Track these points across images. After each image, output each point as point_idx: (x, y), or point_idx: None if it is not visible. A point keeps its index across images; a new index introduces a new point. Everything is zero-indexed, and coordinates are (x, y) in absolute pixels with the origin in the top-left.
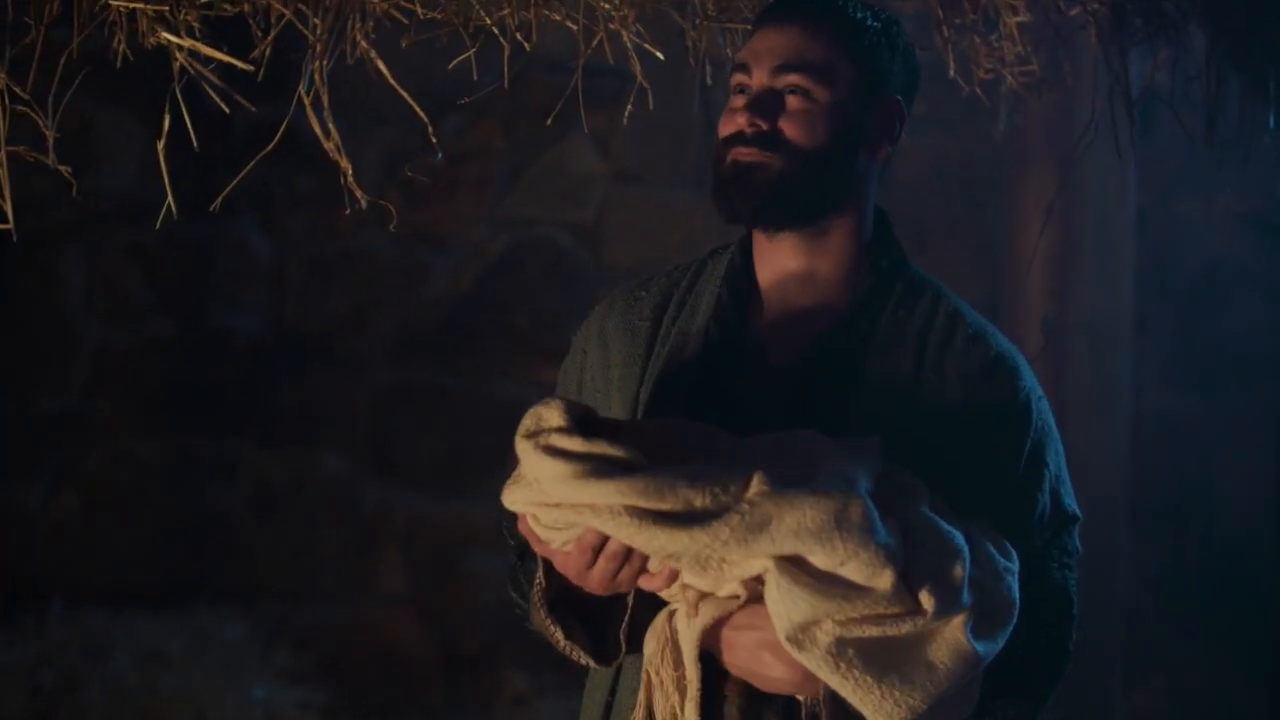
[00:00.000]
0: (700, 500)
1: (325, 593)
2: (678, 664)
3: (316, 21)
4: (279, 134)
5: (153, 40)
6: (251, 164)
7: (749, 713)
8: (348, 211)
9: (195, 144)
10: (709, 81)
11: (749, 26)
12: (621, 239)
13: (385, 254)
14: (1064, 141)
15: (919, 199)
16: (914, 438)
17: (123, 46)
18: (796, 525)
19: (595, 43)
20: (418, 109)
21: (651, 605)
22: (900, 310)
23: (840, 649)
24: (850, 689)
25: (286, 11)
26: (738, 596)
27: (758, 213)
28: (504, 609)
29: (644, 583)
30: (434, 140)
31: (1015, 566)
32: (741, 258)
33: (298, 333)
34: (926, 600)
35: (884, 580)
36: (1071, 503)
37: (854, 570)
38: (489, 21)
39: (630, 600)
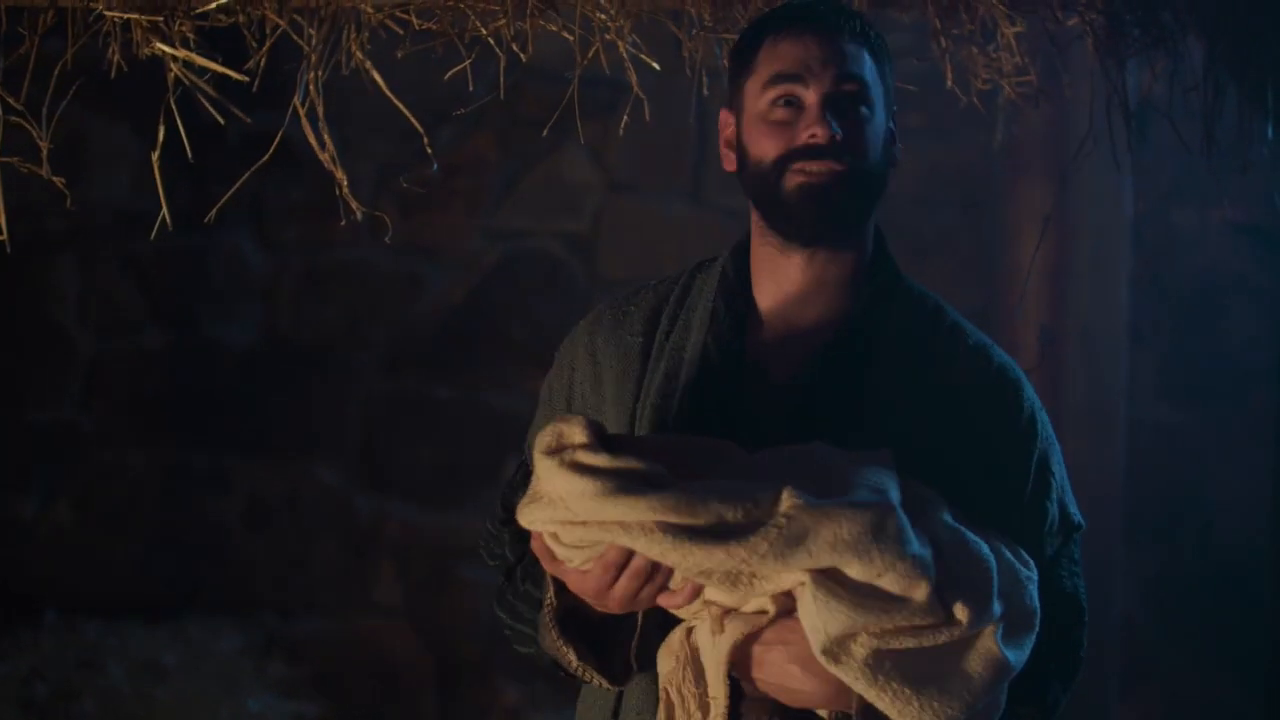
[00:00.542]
0: (732, 515)
1: (319, 604)
2: (699, 680)
3: (311, 32)
4: (274, 145)
5: (147, 51)
6: (246, 175)
7: None
8: (343, 223)
9: (189, 155)
10: (705, 92)
11: None
12: (616, 250)
13: (379, 265)
14: (1061, 152)
15: (916, 209)
16: (922, 451)
17: (117, 57)
18: (834, 538)
19: (591, 53)
20: (413, 120)
21: (658, 623)
22: (902, 324)
23: (877, 662)
24: (888, 702)
25: (281, 22)
26: (765, 612)
27: (836, 227)
28: (498, 621)
29: (664, 600)
30: (429, 151)
31: (1035, 575)
32: (735, 271)
33: (292, 343)
34: (960, 611)
35: (920, 591)
36: (1075, 511)
37: (890, 582)
38: (484, 32)
39: (639, 619)
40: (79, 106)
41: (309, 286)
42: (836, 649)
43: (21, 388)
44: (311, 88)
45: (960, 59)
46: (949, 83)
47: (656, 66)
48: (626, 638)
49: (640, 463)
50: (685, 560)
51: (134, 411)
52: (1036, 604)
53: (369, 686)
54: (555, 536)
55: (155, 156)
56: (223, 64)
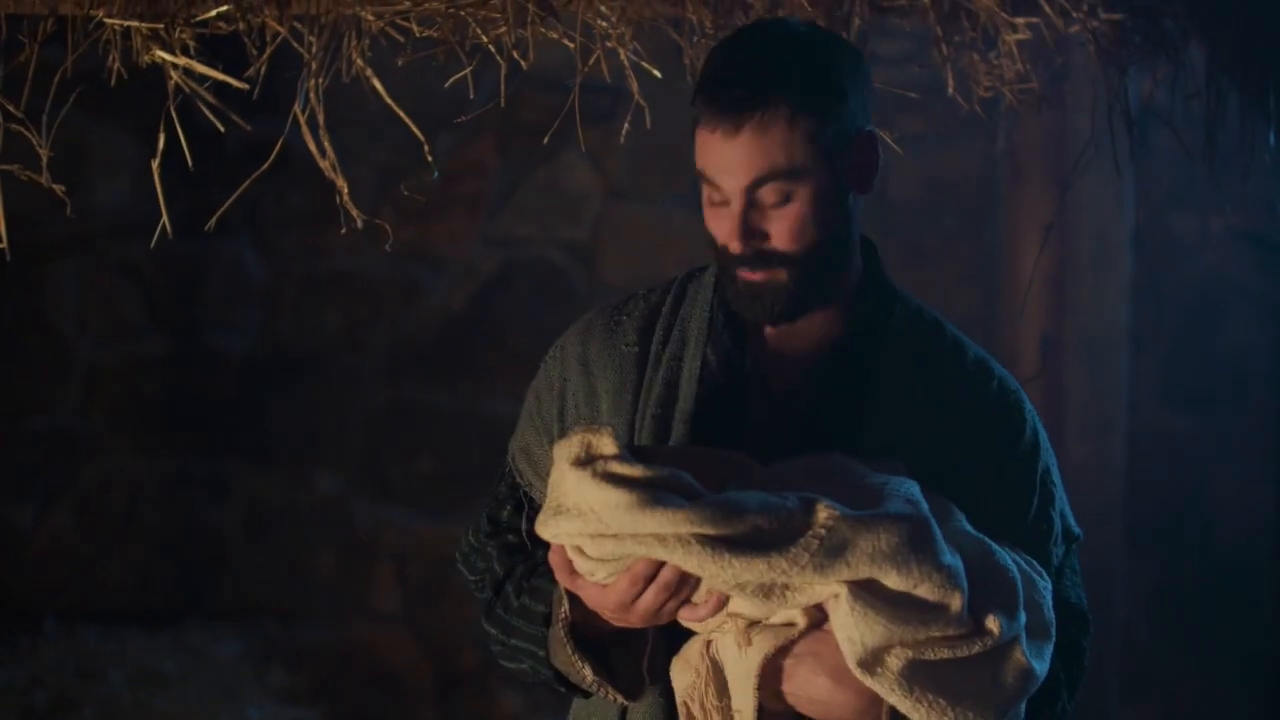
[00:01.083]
0: (769, 525)
1: (319, 612)
2: (722, 694)
3: (312, 40)
4: (274, 153)
5: (147, 58)
6: (247, 183)
7: None
8: (343, 231)
9: (189, 162)
10: None
11: None
12: (616, 257)
13: (379, 272)
14: (1061, 159)
15: (916, 216)
16: (927, 463)
17: (117, 65)
18: (872, 549)
19: (592, 60)
20: (414, 127)
21: (664, 637)
22: (902, 337)
23: (913, 673)
24: (923, 713)
25: (282, 30)
26: (794, 624)
27: (780, 318)
28: (486, 636)
29: (686, 614)
30: (429, 158)
31: (1049, 585)
32: None
33: (291, 351)
34: (992, 621)
35: (955, 601)
36: (1074, 522)
37: (927, 591)
38: (485, 39)
39: (652, 632)
40: (79, 114)
41: (309, 294)
42: (872, 660)
43: (20, 395)
44: (312, 95)
45: (962, 66)
46: (950, 90)
47: (658, 74)
48: (636, 652)
49: (671, 473)
50: (724, 572)
51: (133, 419)
52: (1052, 614)
53: (368, 694)
54: (580, 550)
55: (155, 164)
56: (223, 71)
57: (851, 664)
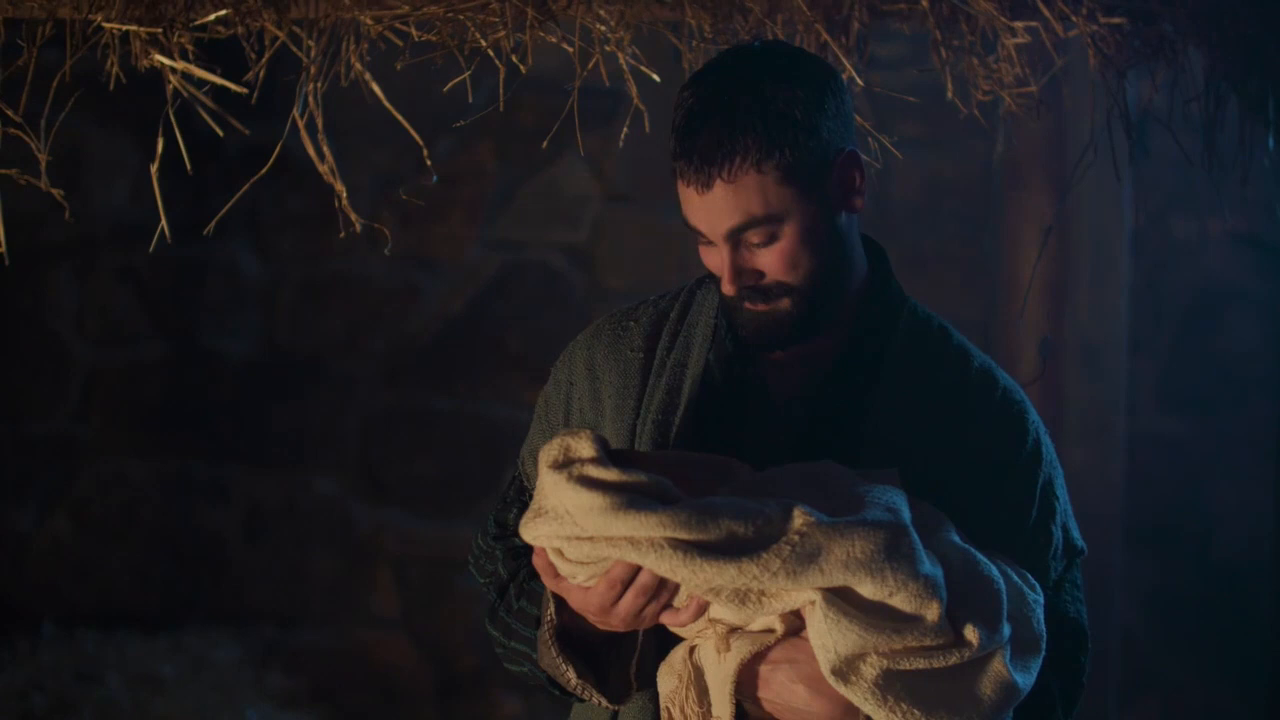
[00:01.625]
0: (744, 531)
1: (317, 615)
2: (703, 700)
3: (311, 44)
4: (273, 157)
5: (146, 62)
6: (245, 187)
7: None
8: (342, 234)
9: (188, 166)
10: None
11: None
12: (615, 261)
13: (377, 275)
14: (1061, 162)
15: (915, 220)
16: (927, 473)
17: (115, 69)
18: (846, 556)
19: (591, 64)
20: (413, 131)
21: (655, 642)
22: (908, 344)
23: (887, 682)
24: None
25: (280, 34)
26: (772, 630)
27: (787, 343)
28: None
29: (668, 618)
30: (428, 162)
31: (1041, 598)
32: None
33: (289, 354)
34: (971, 632)
35: (931, 611)
36: (1078, 536)
37: (902, 601)
38: (484, 43)
39: (639, 637)
40: (78, 118)
41: (307, 297)
42: (846, 669)
43: (19, 399)
44: (311, 99)
45: (961, 70)
46: (949, 94)
47: (656, 78)
48: (626, 656)
49: (650, 478)
50: (696, 577)
51: (132, 422)
52: (1043, 628)
53: (367, 697)
54: (560, 552)
55: (154, 168)
56: (222, 76)
57: (826, 671)
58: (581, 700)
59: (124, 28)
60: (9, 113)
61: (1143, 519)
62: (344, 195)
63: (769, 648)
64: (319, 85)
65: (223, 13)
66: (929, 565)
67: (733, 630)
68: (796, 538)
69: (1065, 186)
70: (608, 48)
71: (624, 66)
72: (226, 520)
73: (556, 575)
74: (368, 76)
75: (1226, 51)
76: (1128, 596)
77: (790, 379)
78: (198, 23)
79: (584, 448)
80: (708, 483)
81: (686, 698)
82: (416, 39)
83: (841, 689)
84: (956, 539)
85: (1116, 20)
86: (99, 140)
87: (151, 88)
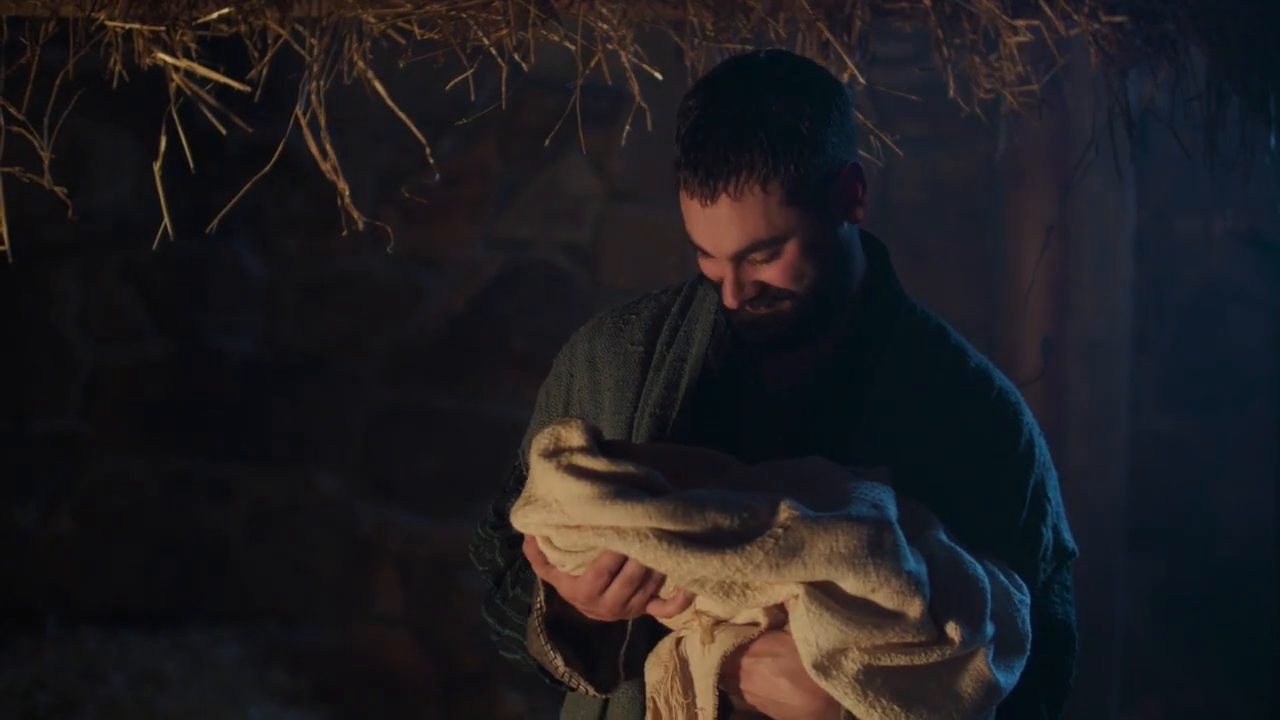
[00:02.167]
0: (729, 524)
1: (321, 613)
2: (688, 691)
3: (313, 42)
4: (275, 156)
5: (149, 61)
6: (248, 185)
7: None
8: (344, 233)
9: (191, 164)
10: None
11: (747, 47)
12: (617, 259)
13: (380, 274)
14: (1063, 161)
15: (917, 219)
16: (919, 471)
17: (118, 67)
18: (829, 550)
19: (593, 63)
20: (415, 130)
21: (646, 631)
22: (905, 344)
23: (868, 677)
24: (877, 718)
25: (283, 32)
26: (756, 624)
27: (786, 346)
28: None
29: (655, 609)
30: (430, 161)
31: (1028, 599)
32: None
33: (292, 352)
34: (953, 630)
35: (914, 608)
36: (1070, 538)
37: (885, 597)
38: (486, 42)
39: (629, 627)
40: (80, 116)
41: (310, 296)
42: (827, 663)
43: (22, 396)
44: (313, 98)
45: (962, 69)
46: (951, 93)
47: (659, 76)
48: (615, 645)
49: (638, 468)
50: (680, 568)
51: (135, 420)
52: (1028, 628)
53: (371, 695)
54: (549, 540)
55: (157, 166)
56: (224, 74)
57: (807, 665)
58: (572, 689)
59: (127, 26)
60: (12, 111)
61: (1145, 518)
62: (346, 194)
63: (752, 640)
64: (321, 84)
65: (225, 11)
66: (913, 562)
67: (718, 622)
68: (780, 531)
69: (1068, 185)
70: (610, 46)
71: (626, 65)
72: (229, 518)
73: (546, 563)
74: (370, 75)
75: (1228, 50)
76: (1129, 596)
77: (787, 375)
78: (200, 21)
79: (574, 437)
80: (699, 476)
81: (671, 688)
82: (419, 37)
83: (822, 683)
84: (943, 538)
85: (1118, 19)
86: (102, 138)
87: (154, 86)
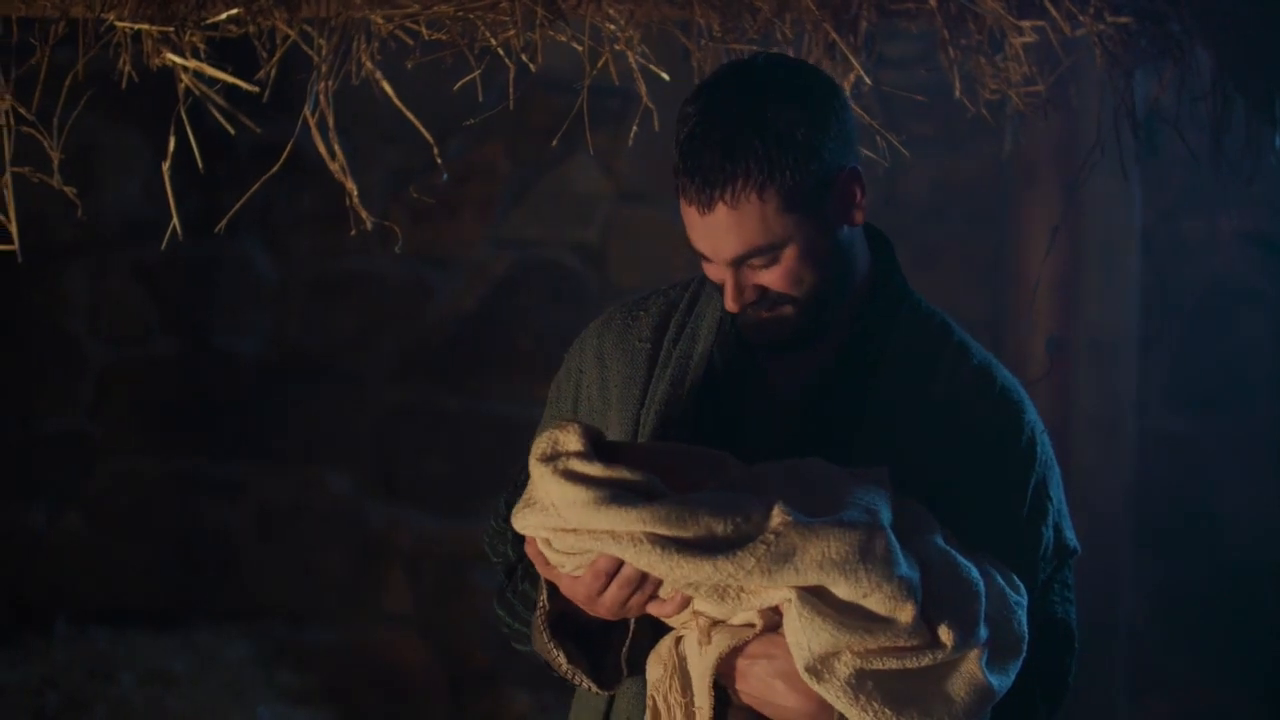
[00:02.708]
0: (722, 529)
1: (329, 612)
2: (686, 690)
3: (322, 43)
4: (284, 155)
5: (158, 61)
6: (256, 185)
7: None
8: (353, 232)
9: (200, 164)
10: None
11: (753, 47)
12: (626, 259)
13: (389, 274)
14: (1069, 161)
15: (924, 218)
16: (920, 469)
17: (128, 67)
18: (821, 556)
19: (600, 63)
20: (423, 130)
21: (651, 628)
22: (907, 341)
23: (860, 681)
24: None
25: (291, 33)
26: (752, 625)
27: (787, 348)
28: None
29: (654, 609)
30: (439, 161)
31: (1025, 600)
32: None
33: (301, 352)
34: (945, 634)
35: (905, 613)
36: (1072, 536)
37: (876, 603)
38: (494, 42)
39: (632, 625)
40: (90, 116)
41: (319, 295)
42: (820, 666)
43: (32, 396)
44: (322, 98)
45: (968, 69)
46: (957, 93)
47: (666, 76)
48: (618, 643)
49: (633, 473)
50: (672, 572)
51: (144, 420)
52: (1025, 630)
53: (379, 694)
54: (548, 542)
55: (166, 166)
56: (233, 74)
57: (800, 668)
58: (576, 684)
59: (136, 26)
60: (22, 111)
61: (1151, 516)
62: (354, 193)
63: (747, 642)
64: (330, 84)
65: (234, 12)
66: (905, 567)
67: (716, 623)
68: (772, 537)
69: (1074, 185)
70: (617, 46)
71: (633, 66)
72: (238, 518)
73: (547, 564)
74: (378, 75)
75: (1233, 51)
76: (1136, 595)
77: (791, 373)
78: (209, 21)
79: (571, 441)
80: (699, 476)
81: (670, 687)
82: (427, 38)
83: (815, 686)
84: (939, 541)
85: (1123, 20)
86: (111, 138)
87: (163, 86)
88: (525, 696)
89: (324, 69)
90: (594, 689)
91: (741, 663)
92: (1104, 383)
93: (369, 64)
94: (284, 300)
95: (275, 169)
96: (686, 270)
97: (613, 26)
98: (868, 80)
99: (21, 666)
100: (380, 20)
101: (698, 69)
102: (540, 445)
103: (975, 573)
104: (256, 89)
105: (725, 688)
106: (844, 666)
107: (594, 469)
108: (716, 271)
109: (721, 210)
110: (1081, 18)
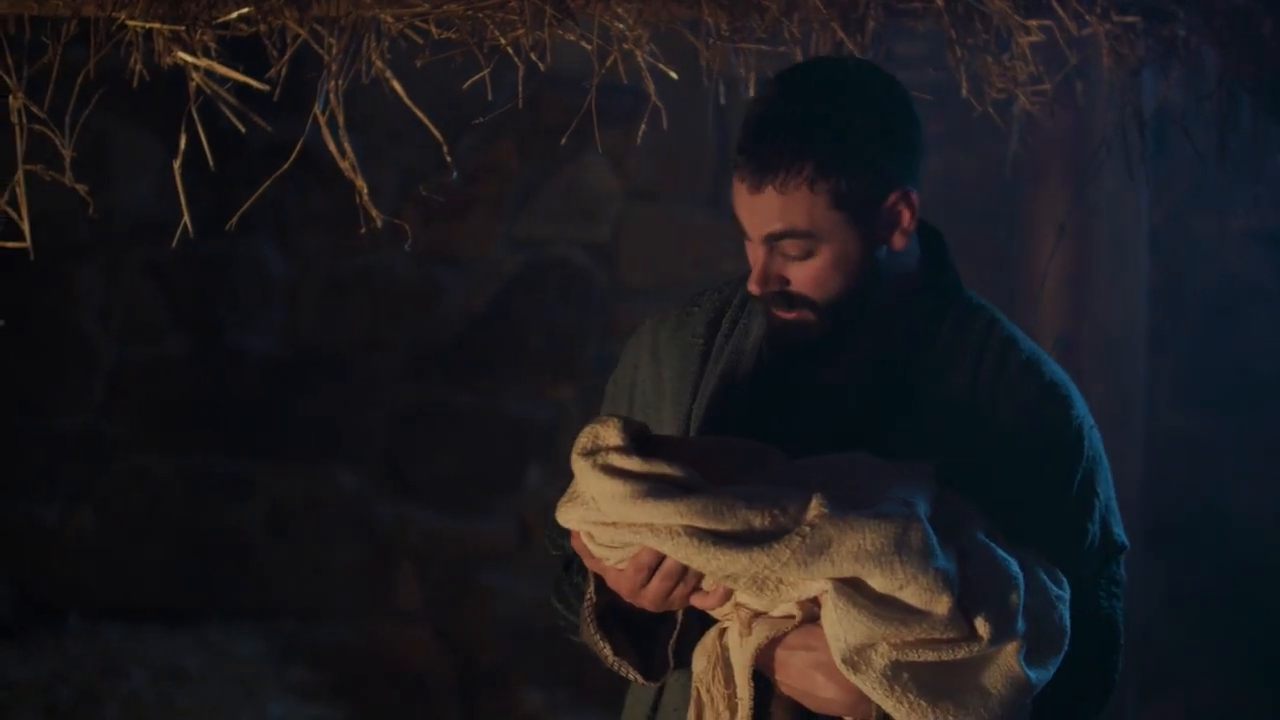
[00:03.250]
0: (759, 521)
1: (340, 610)
2: (729, 682)
3: (332, 41)
4: (294, 154)
5: (169, 60)
6: (267, 183)
7: None
8: (363, 231)
9: (211, 163)
10: (723, 101)
11: (761, 46)
12: (637, 257)
13: (400, 272)
14: (1076, 160)
15: (933, 217)
16: (966, 463)
17: (139, 66)
18: (856, 548)
19: (609, 62)
20: (433, 129)
21: (699, 621)
22: (955, 335)
23: (895, 672)
24: (904, 713)
25: (302, 32)
26: (792, 616)
27: (807, 354)
28: (519, 625)
29: (697, 601)
30: (449, 159)
31: (1067, 595)
32: None
33: (313, 350)
34: (982, 627)
35: (941, 605)
36: (1120, 532)
37: (912, 594)
38: (503, 41)
39: (679, 617)
40: (102, 115)
41: (330, 293)
42: (856, 658)
43: (44, 394)
44: (332, 97)
45: (975, 69)
46: (964, 92)
47: (674, 75)
48: (667, 634)
49: (672, 467)
50: (709, 564)
51: (156, 418)
52: (1067, 624)
53: (390, 692)
54: (591, 536)
55: (177, 165)
56: (244, 73)
57: (836, 659)
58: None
59: (147, 25)
60: (34, 109)
61: (1161, 516)
62: (364, 192)
63: (786, 633)
64: (340, 83)
65: (245, 11)
66: (941, 560)
67: (757, 615)
68: (808, 529)
69: (1082, 184)
70: (625, 46)
71: (642, 65)
72: (250, 515)
73: (593, 556)
74: (388, 74)
75: (1239, 50)
76: (1146, 594)
77: (840, 367)
78: (220, 20)
79: (611, 436)
80: (742, 469)
81: (714, 678)
82: (436, 37)
83: (851, 677)
84: (981, 535)
85: (1130, 19)
86: (123, 137)
87: (175, 85)
88: (536, 694)
89: (334, 68)
90: (640, 680)
91: (781, 653)
92: (1113, 381)
93: (379, 63)
94: (295, 299)
95: (285, 167)
96: (697, 268)
97: (621, 25)
98: None
99: (34, 662)
100: (390, 19)
101: (706, 68)
102: (581, 440)
103: (1015, 566)
104: (267, 88)
105: (767, 679)
106: (880, 658)
107: (632, 463)
108: (753, 251)
109: (770, 192)
110: (1088, 17)
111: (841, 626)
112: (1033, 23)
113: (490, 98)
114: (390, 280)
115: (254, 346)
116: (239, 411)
